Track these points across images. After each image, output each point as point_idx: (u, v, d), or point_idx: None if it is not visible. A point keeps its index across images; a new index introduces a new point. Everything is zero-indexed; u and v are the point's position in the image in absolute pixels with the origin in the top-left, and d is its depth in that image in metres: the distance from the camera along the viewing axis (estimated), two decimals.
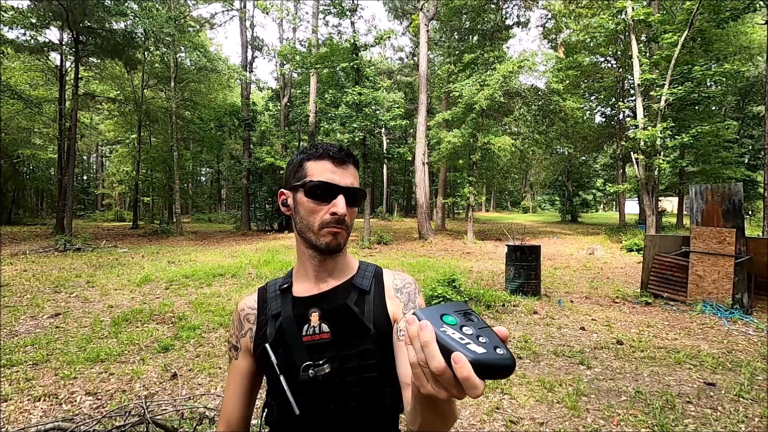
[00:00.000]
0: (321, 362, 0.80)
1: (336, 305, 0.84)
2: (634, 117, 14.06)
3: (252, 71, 23.03)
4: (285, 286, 0.89)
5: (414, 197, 24.54)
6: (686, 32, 11.60)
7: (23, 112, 19.02)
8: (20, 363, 3.61)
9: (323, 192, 0.81)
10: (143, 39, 16.39)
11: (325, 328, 0.83)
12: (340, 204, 0.80)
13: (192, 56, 17.53)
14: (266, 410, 0.89)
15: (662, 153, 12.72)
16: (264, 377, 0.91)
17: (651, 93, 13.32)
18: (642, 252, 7.81)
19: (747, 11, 10.86)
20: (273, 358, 0.82)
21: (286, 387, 0.80)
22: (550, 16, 23.20)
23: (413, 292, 0.90)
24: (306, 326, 0.83)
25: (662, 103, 12.53)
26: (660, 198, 19.16)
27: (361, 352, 0.81)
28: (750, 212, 27.59)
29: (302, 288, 0.88)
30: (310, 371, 0.79)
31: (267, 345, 0.84)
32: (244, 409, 0.89)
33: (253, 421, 2.66)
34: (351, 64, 13.95)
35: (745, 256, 5.44)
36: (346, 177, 0.83)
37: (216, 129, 22.20)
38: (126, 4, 14.05)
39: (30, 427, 2.49)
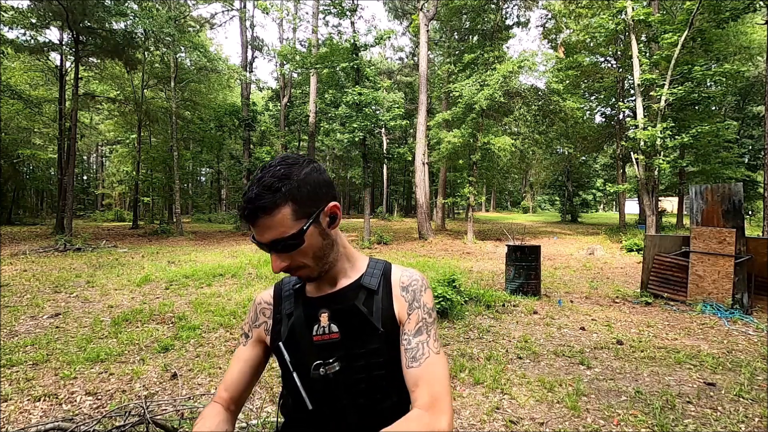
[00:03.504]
0: (331, 361, 0.84)
1: (345, 306, 0.88)
2: (634, 117, 14.05)
3: (252, 71, 23.04)
4: (298, 285, 0.94)
5: (414, 197, 24.53)
6: (686, 32, 11.60)
7: (23, 112, 19.01)
8: (20, 363, 3.61)
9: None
10: (143, 39, 16.37)
11: (334, 328, 0.87)
12: (273, 264, 0.80)
13: (192, 56, 17.53)
14: (282, 401, 0.96)
15: (662, 153, 12.72)
16: (265, 367, 0.97)
17: (651, 93, 13.31)
18: (642, 252, 7.81)
19: (747, 11, 10.88)
20: (286, 355, 0.88)
21: (299, 383, 0.86)
22: (550, 16, 23.23)
23: (419, 290, 0.91)
24: (316, 326, 0.87)
25: (662, 103, 12.52)
26: (660, 198, 19.17)
27: (369, 350, 0.86)
28: (750, 212, 27.61)
29: (313, 288, 0.93)
30: (321, 370, 0.84)
31: (281, 343, 0.89)
32: (243, 387, 0.92)
33: (254, 421, 2.65)
34: (351, 64, 13.93)
35: (745, 256, 5.44)
36: (262, 233, 0.77)
37: (216, 129, 22.22)
38: (126, 4, 14.04)
39: (30, 427, 2.49)
